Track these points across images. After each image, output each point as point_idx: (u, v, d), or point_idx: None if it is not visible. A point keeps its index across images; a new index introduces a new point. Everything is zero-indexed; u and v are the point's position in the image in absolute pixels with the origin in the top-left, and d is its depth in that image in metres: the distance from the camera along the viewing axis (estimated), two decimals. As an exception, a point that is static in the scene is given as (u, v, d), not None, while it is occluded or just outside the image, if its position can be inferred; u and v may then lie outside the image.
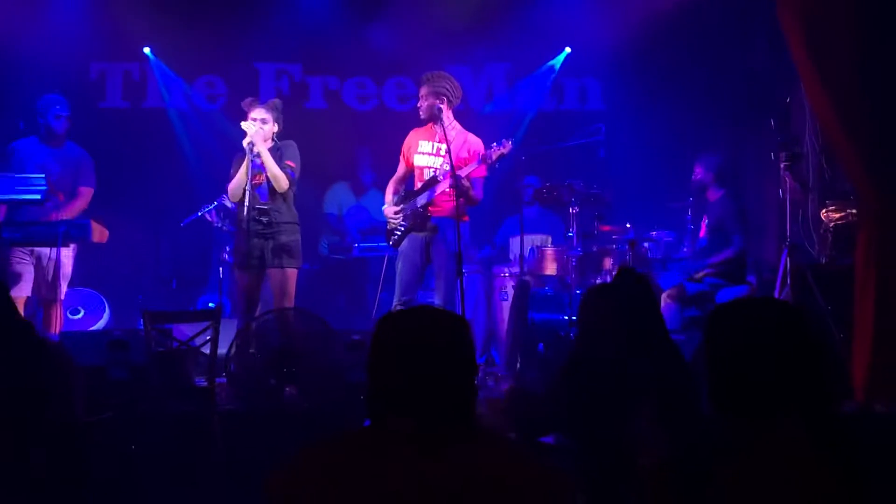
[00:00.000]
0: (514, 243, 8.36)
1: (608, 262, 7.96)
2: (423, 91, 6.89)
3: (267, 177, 6.75)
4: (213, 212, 8.03)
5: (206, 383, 5.92)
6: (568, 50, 9.73)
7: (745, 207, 7.59)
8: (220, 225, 8.04)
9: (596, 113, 9.73)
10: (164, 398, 5.81)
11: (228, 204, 6.93)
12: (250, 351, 6.06)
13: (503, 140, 6.86)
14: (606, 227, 8.09)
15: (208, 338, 5.91)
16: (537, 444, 3.98)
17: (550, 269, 8.14)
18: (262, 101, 7.02)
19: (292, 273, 6.81)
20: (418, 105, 6.95)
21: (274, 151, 6.83)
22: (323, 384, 5.94)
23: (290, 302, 6.70)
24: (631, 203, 8.64)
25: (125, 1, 9.19)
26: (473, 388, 2.09)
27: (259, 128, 6.73)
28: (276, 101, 7.11)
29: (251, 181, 6.64)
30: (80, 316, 8.55)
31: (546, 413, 4.00)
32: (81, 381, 4.51)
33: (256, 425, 5.82)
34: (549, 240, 8.68)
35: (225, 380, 6.23)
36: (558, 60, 9.82)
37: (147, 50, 9.52)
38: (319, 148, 8.29)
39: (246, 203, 6.56)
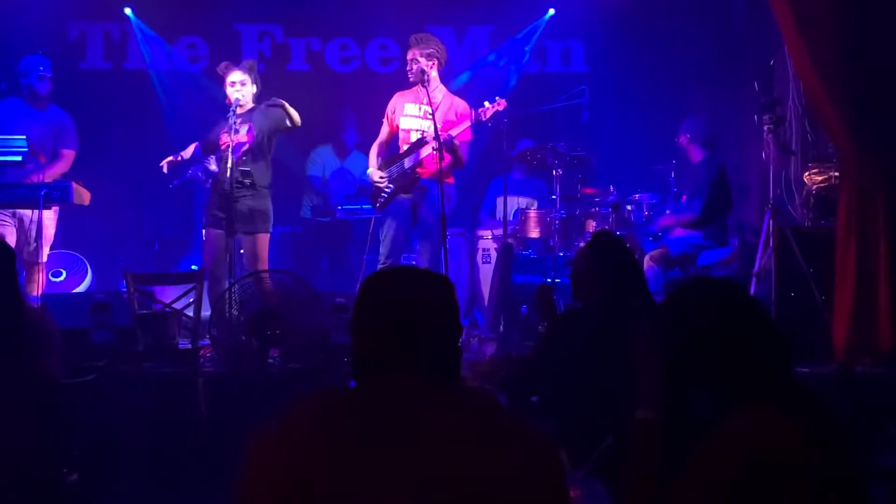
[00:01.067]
0: (501, 205, 8.36)
1: (591, 225, 7.96)
2: (413, 53, 6.85)
3: (238, 138, 6.69)
4: (200, 173, 8.00)
5: (189, 345, 5.92)
6: (552, 11, 9.66)
7: (724, 173, 7.58)
8: (206, 181, 8.04)
9: (579, 74, 9.70)
10: (148, 360, 5.82)
11: (212, 167, 6.89)
12: (233, 313, 6.05)
13: (496, 98, 6.87)
14: (590, 190, 8.10)
15: (191, 300, 5.91)
16: (522, 403, 4.01)
17: (534, 231, 8.15)
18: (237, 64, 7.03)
19: (264, 237, 6.79)
20: (408, 68, 6.91)
21: (261, 114, 6.82)
22: (306, 346, 5.94)
23: (263, 266, 6.68)
24: (614, 165, 8.64)
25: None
26: (457, 348, 2.10)
27: (239, 90, 6.74)
28: (251, 61, 7.11)
29: (231, 142, 6.61)
30: (61, 278, 8.51)
31: (529, 374, 4.03)
32: (60, 342, 4.49)
33: (240, 387, 5.83)
34: (535, 203, 8.69)
35: (208, 342, 6.24)
36: (542, 22, 9.75)
37: (128, 10, 9.40)
38: (302, 110, 8.18)
39: (229, 165, 6.52)
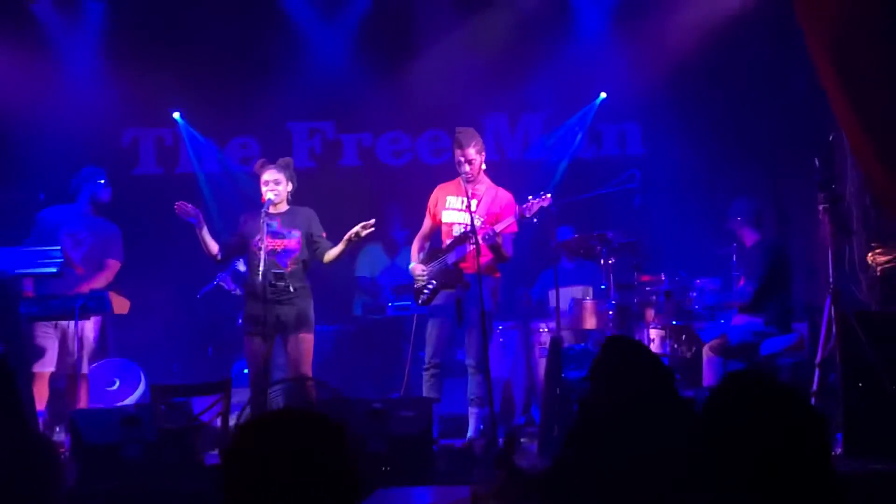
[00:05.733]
0: (553, 297, 8.04)
1: (650, 314, 7.62)
2: (467, 153, 6.65)
3: (286, 243, 6.57)
4: (228, 278, 7.96)
5: (218, 459, 5.71)
6: (603, 95, 9.46)
7: (782, 254, 7.21)
8: (235, 290, 7.96)
9: (635, 157, 9.42)
10: (175, 477, 5.61)
11: (241, 268, 6.79)
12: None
13: (541, 193, 6.64)
14: (646, 278, 7.73)
15: (220, 410, 5.73)
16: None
17: (590, 322, 7.81)
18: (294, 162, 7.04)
19: (309, 338, 6.59)
20: (467, 168, 6.68)
21: (292, 215, 6.69)
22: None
23: (307, 368, 6.51)
24: (675, 250, 8.33)
25: (156, 67, 9.12)
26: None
27: (273, 189, 6.62)
28: (287, 159, 6.97)
29: (266, 248, 6.46)
30: (115, 387, 8.38)
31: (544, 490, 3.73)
32: (66, 481, 4.36)
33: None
34: (590, 291, 8.35)
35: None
36: (594, 106, 9.54)
37: (176, 115, 9.45)
38: (353, 207, 8.13)
39: (261, 269, 6.37)
